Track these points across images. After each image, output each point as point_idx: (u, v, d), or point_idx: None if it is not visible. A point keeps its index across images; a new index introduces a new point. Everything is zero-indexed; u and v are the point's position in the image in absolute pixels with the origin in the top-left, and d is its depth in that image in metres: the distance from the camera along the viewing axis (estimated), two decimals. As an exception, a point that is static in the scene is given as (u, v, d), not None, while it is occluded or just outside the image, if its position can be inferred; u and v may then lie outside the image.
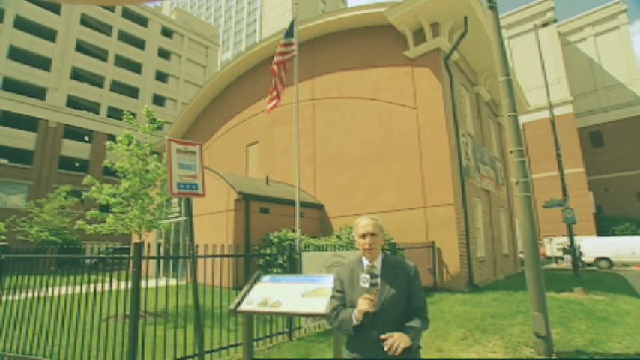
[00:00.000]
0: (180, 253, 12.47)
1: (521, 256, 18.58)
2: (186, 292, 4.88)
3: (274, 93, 8.84)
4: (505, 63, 5.99)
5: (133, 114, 9.16)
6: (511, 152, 5.70)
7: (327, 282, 2.96)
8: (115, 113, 36.69)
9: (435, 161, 11.98)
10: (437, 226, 11.65)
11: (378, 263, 2.23)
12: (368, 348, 2.11)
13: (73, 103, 35.38)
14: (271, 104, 8.92)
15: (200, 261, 4.91)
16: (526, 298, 8.40)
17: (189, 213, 4.42)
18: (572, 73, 33.81)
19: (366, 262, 2.25)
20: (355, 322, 2.09)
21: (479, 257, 12.76)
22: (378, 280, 2.12)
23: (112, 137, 34.58)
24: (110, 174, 29.67)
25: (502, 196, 17.32)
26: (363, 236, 2.23)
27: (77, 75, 36.01)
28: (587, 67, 34.24)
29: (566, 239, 23.00)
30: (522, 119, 30.14)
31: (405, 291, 2.16)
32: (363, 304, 2.05)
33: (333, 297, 2.32)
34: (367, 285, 2.09)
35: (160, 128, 9.42)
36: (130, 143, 8.31)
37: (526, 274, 5.41)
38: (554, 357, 4.90)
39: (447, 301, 9.48)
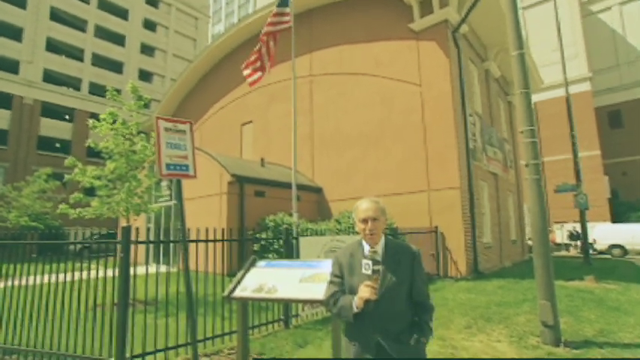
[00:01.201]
0: (171, 238, 12.54)
1: (530, 242, 18.76)
2: (177, 279, 4.91)
3: (258, 63, 8.45)
4: (519, 35, 5.89)
5: (118, 90, 9.02)
6: (521, 132, 5.66)
7: (326, 267, 2.98)
8: (97, 90, 35.84)
9: (440, 142, 11.95)
10: (441, 210, 11.72)
11: (379, 248, 2.23)
12: (368, 337, 2.14)
13: (51, 78, 34.43)
14: (254, 76, 8.47)
15: (192, 246, 4.92)
16: (533, 287, 8.51)
17: (179, 196, 4.41)
18: (592, 48, 32.57)
19: (367, 246, 2.24)
20: (355, 310, 2.10)
21: (484, 243, 12.88)
22: (381, 266, 2.13)
23: (94, 116, 33.97)
24: (94, 155, 29.43)
25: (510, 180, 17.37)
26: (364, 221, 2.22)
27: (53, 47, 34.84)
28: (609, 40, 33.16)
29: (577, 226, 23.12)
30: (535, 98, 29.64)
31: (408, 278, 2.17)
32: (365, 292, 2.05)
33: (331, 282, 2.32)
34: (369, 272, 2.09)
35: (146, 106, 9.32)
36: (114, 122, 8.21)
37: (534, 261, 5.45)
38: (561, 347, 4.98)
39: (450, 288, 9.60)
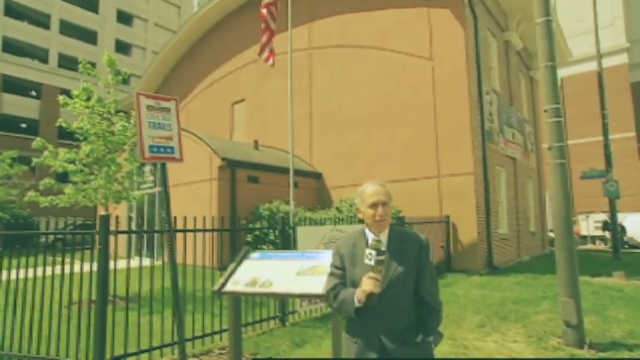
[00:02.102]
0: (156, 228, 12.57)
1: (551, 234, 18.82)
2: (162, 274, 4.91)
3: (264, 38, 8.59)
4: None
5: (92, 63, 8.91)
6: (545, 111, 5.60)
7: (325, 259, 2.98)
8: (67, 62, 34.76)
9: (452, 123, 11.91)
10: (452, 198, 11.74)
11: (384, 237, 2.21)
12: (370, 334, 2.14)
13: (12, 47, 33.24)
14: (265, 53, 8.69)
15: (179, 237, 4.93)
16: (554, 283, 8.56)
17: (164, 181, 4.39)
18: (632, 14, 31.40)
19: (370, 235, 2.23)
20: (357, 304, 2.09)
21: (500, 235, 12.94)
22: (385, 256, 2.11)
23: (66, 92, 33.41)
24: (67, 136, 29.07)
25: (531, 165, 17.36)
26: (374, 206, 2.19)
27: (13, 11, 33.45)
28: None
29: (605, 216, 23.00)
30: (561, 73, 28.61)
31: (414, 269, 2.16)
32: (367, 285, 2.03)
33: (331, 274, 2.31)
34: (372, 262, 2.07)
35: (125, 82, 9.24)
36: (89, 99, 8.10)
37: (556, 254, 5.44)
38: (585, 348, 5.00)
39: (461, 283, 9.67)
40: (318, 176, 14.97)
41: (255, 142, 14.91)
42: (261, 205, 11.88)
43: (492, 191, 12.47)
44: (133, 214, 15.45)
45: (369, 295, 2.05)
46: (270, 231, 10.21)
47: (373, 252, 2.08)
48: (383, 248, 2.12)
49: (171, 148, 4.26)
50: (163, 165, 4.37)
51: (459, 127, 11.78)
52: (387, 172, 12.88)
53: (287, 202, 11.42)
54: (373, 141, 13.63)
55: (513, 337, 5.48)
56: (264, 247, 9.90)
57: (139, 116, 4.05)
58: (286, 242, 6.41)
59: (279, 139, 15.71)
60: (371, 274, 2.06)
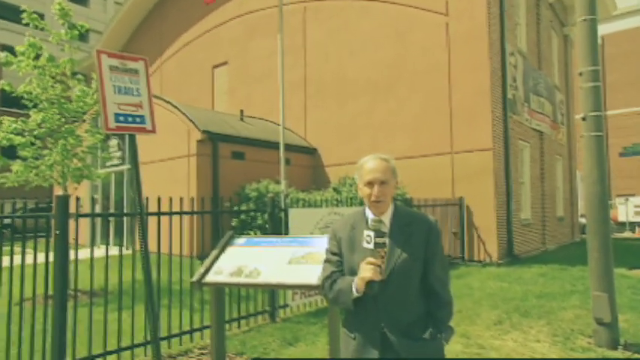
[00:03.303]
0: (125, 211, 12.55)
1: (583, 220, 18.91)
2: (133, 264, 4.91)
3: None
4: None
5: (40, 14, 8.68)
6: (580, 74, 5.51)
7: (321, 245, 2.97)
8: (7, 12, 33.45)
9: (469, 90, 11.84)
10: (467, 177, 11.77)
11: (387, 217, 2.22)
12: (371, 328, 2.14)
13: None
14: None
15: (152, 222, 4.90)
16: (585, 275, 8.62)
17: (133, 157, 4.34)
18: None
19: (371, 215, 2.23)
20: (356, 294, 2.09)
21: (522, 220, 13.02)
22: (386, 239, 2.11)
23: (8, 48, 32.77)
24: (11, 102, 28.54)
25: (560, 140, 17.37)
26: (370, 184, 2.19)
27: None
28: None
29: None
30: (602, 29, 27.73)
31: (421, 256, 2.15)
32: (367, 271, 2.03)
33: (327, 261, 2.33)
34: (371, 245, 2.07)
35: (83, 38, 9.06)
36: (37, 57, 7.90)
37: (588, 243, 5.46)
38: (620, 350, 5.04)
39: (477, 275, 9.77)
40: (312, 152, 14.90)
41: (241, 112, 14.80)
42: (247, 185, 11.86)
43: (514, 170, 12.48)
44: (98, 196, 15.39)
45: (369, 284, 2.05)
46: (258, 214, 10.22)
47: (372, 233, 2.08)
48: (384, 230, 2.12)
49: (141, 117, 4.20)
50: (132, 137, 4.31)
51: (477, 95, 11.71)
52: (393, 147, 12.84)
53: (277, 182, 11.40)
54: (377, 111, 13.55)
55: (536, 336, 5.55)
56: (251, 232, 9.91)
57: (100, 79, 3.96)
58: (276, 227, 6.41)
59: (268, 108, 15.59)
60: (370, 258, 2.06)
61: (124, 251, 6.17)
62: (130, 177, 13.77)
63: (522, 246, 12.75)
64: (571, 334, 5.60)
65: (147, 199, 4.80)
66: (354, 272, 2.15)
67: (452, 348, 5.11)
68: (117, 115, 4.04)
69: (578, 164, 19.44)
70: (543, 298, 7.48)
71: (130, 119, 4.12)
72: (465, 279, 9.29)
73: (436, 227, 2.24)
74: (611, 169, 27.00)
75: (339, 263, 2.26)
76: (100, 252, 6.23)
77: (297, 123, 15.22)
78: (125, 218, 11.80)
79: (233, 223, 10.59)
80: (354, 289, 2.10)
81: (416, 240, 2.17)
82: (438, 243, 2.23)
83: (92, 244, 4.60)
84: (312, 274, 2.90)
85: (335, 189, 11.96)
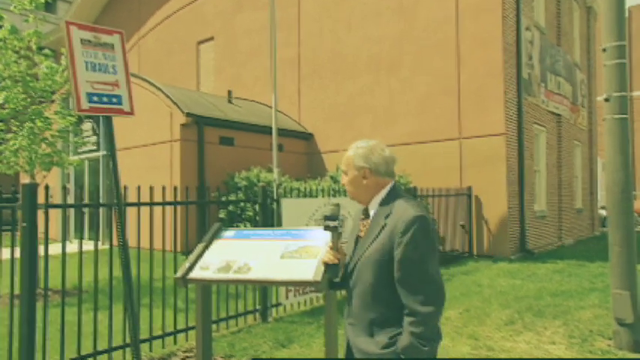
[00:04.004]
0: (100, 202, 12.52)
1: (603, 212, 19.02)
2: (110, 259, 4.86)
3: None
4: None
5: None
6: (604, 50, 5.47)
7: (316, 238, 2.97)
8: None
9: (480, 69, 11.82)
10: (476, 165, 11.79)
11: (373, 207, 2.33)
12: (346, 321, 2.32)
13: None
14: None
15: (131, 213, 4.88)
16: (605, 272, 8.71)
17: (110, 142, 4.30)
18: None
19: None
20: (326, 277, 2.37)
21: (537, 212, 13.09)
22: (338, 222, 2.31)
23: None
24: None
25: (580, 124, 17.40)
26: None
27: None
28: None
29: None
30: (629, 0, 27.79)
31: (386, 252, 2.12)
32: (325, 254, 2.38)
33: None
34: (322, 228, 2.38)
35: (50, 7, 8.93)
36: None
37: (609, 237, 5.46)
38: None
39: (486, 271, 9.83)
40: (308, 137, 14.88)
41: (229, 93, 14.73)
42: (236, 173, 11.83)
43: (528, 157, 12.51)
44: (70, 185, 15.35)
45: (328, 267, 2.36)
46: (248, 205, 10.22)
47: (324, 217, 2.35)
48: (339, 215, 2.33)
49: (118, 97, 4.15)
50: (108, 120, 4.26)
51: (488, 74, 11.70)
52: (395, 132, 12.84)
53: (269, 170, 11.38)
54: (379, 93, 13.53)
55: (551, 338, 5.59)
56: (241, 225, 9.91)
57: (70, 54, 3.89)
58: (268, 219, 6.41)
59: (259, 89, 15.54)
60: (330, 242, 2.35)
61: (100, 246, 6.16)
62: (106, 164, 13.72)
63: (536, 240, 12.82)
64: (589, 336, 5.64)
65: (125, 188, 4.77)
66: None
67: (459, 350, 5.16)
68: (90, 94, 3.99)
69: (600, 151, 19.49)
70: (559, 297, 7.53)
71: (105, 99, 4.06)
72: (473, 275, 9.34)
73: (414, 223, 2.08)
74: (636, 156, 27.00)
75: None
76: (73, 247, 6.21)
77: (291, 105, 15.18)
78: (101, 209, 11.76)
79: (221, 215, 10.57)
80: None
81: (387, 234, 2.14)
82: (410, 242, 2.07)
83: (64, 238, 4.58)
84: (307, 269, 2.89)
85: (332, 178, 11.95)
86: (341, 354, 2.42)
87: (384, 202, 2.27)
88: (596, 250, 12.92)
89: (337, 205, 2.36)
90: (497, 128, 11.58)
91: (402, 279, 2.07)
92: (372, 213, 2.30)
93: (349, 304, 2.30)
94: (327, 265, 2.35)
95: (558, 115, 14.90)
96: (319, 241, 2.88)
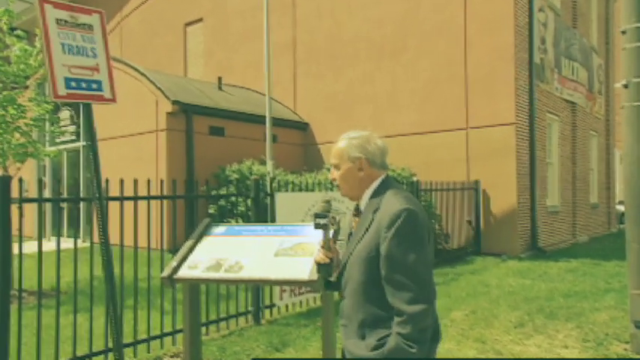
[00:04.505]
0: (80, 196, 12.50)
1: (621, 208, 19.05)
2: (91, 258, 4.85)
3: None
4: None
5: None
6: (623, 32, 5.46)
7: (312, 234, 2.97)
8: None
9: (489, 54, 11.79)
10: (484, 157, 11.79)
11: (363, 203, 2.34)
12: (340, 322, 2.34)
13: None
14: None
15: (113, 208, 4.86)
16: (622, 271, 8.73)
17: (90, 131, 4.29)
18: None
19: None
20: (313, 277, 2.49)
21: (549, 207, 13.12)
22: (327, 220, 2.34)
23: None
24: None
25: (597, 113, 17.40)
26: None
27: None
28: None
29: None
30: None
31: (373, 248, 2.13)
32: (317, 253, 2.40)
33: None
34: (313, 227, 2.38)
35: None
36: None
37: (627, 234, 5.45)
38: None
39: (494, 270, 9.86)
40: (304, 127, 14.86)
41: (219, 79, 14.69)
42: (227, 165, 11.82)
43: (540, 148, 12.52)
44: (47, 178, 15.29)
45: (320, 267, 2.39)
46: (240, 200, 10.21)
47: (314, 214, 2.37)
48: (329, 211, 2.36)
49: (98, 82, 4.14)
50: (87, 107, 4.24)
51: (498, 59, 11.68)
52: (398, 121, 12.83)
53: (262, 162, 11.38)
54: (381, 80, 13.51)
55: (563, 341, 5.61)
56: (232, 221, 9.90)
57: (45, 35, 3.87)
58: (261, 214, 6.40)
59: (252, 75, 15.49)
60: (320, 241, 2.37)
61: (80, 244, 6.14)
62: (86, 155, 13.67)
63: (548, 237, 12.86)
64: (604, 339, 5.66)
65: (107, 181, 4.76)
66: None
67: (465, 353, 5.17)
68: (68, 79, 3.96)
69: (617, 141, 19.53)
70: (572, 298, 7.55)
71: (83, 85, 4.04)
72: (480, 275, 9.37)
73: (393, 217, 2.08)
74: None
75: None
76: (50, 245, 6.20)
77: (286, 93, 15.15)
78: (81, 204, 11.74)
79: (210, 210, 10.56)
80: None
81: (374, 230, 2.15)
82: (394, 237, 2.06)
83: (40, 235, 4.56)
84: (302, 268, 2.90)
85: (330, 170, 11.96)
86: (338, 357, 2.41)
87: (374, 196, 2.27)
88: (613, 248, 12.96)
89: (328, 202, 2.37)
90: (506, 117, 11.58)
91: (387, 276, 2.06)
92: (362, 208, 2.31)
93: (343, 303, 2.31)
94: (319, 264, 2.37)
95: (573, 103, 14.90)
96: (316, 237, 2.88)
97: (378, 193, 2.27)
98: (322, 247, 2.35)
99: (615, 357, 5.16)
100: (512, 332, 5.91)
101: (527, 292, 7.93)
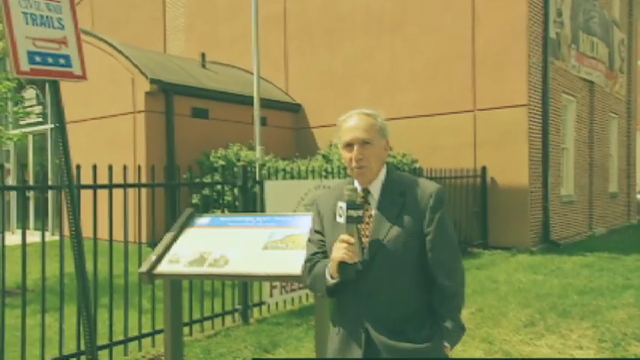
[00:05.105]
0: (49, 184, 12.47)
1: (643, 197, 19.15)
2: (61, 253, 4.82)
3: None
4: None
5: None
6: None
7: (305, 225, 2.97)
8: None
9: (499, 28, 11.76)
10: (493, 142, 11.80)
11: (376, 187, 2.29)
12: (353, 323, 2.21)
13: None
14: None
15: (86, 198, 4.83)
16: (643, 266, 8.82)
17: (58, 112, 4.26)
18: None
19: (358, 185, 2.30)
20: (331, 280, 2.17)
21: (563, 197, 13.16)
22: (362, 211, 2.16)
23: None
24: None
25: (617, 93, 17.40)
26: (349, 146, 2.26)
27: None
28: None
29: None
30: None
31: (418, 232, 2.19)
32: (338, 251, 2.10)
33: (309, 241, 2.47)
34: (342, 220, 2.13)
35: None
36: None
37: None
38: None
39: (503, 265, 9.92)
40: (296, 109, 14.83)
41: (202, 56, 14.62)
42: (212, 151, 11.79)
43: (554, 132, 12.54)
44: (10, 164, 15.22)
45: (343, 267, 2.11)
46: (227, 188, 10.18)
47: (344, 205, 2.14)
48: (359, 200, 2.20)
49: (66, 57, 4.10)
50: (55, 85, 4.20)
51: (509, 34, 11.64)
52: (398, 102, 12.81)
53: (251, 148, 11.35)
54: (380, 56, 13.47)
55: (578, 341, 5.65)
56: (218, 211, 9.88)
57: (4, 2, 3.82)
58: (249, 204, 6.41)
59: (238, 52, 15.42)
60: (343, 235, 2.12)
61: (49, 237, 6.13)
62: (54, 139, 13.62)
63: (562, 229, 12.92)
64: (622, 340, 5.69)
65: (78, 167, 4.73)
66: None
67: (471, 354, 5.20)
68: (31, 54, 3.92)
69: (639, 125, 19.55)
70: (588, 295, 7.59)
71: (49, 60, 4.00)
72: (488, 270, 9.41)
73: (441, 195, 2.24)
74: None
75: (322, 243, 2.36)
76: (14, 238, 6.18)
77: (276, 72, 15.11)
78: (50, 193, 11.70)
79: (194, 200, 10.54)
80: (327, 274, 2.19)
81: (411, 212, 2.20)
82: (444, 216, 2.22)
83: (3, 227, 4.54)
84: (294, 261, 2.91)
85: (325, 156, 11.93)
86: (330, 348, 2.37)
87: (389, 179, 2.30)
88: (633, 241, 13.04)
89: (355, 190, 2.21)
90: (518, 98, 11.57)
91: (438, 258, 2.18)
92: (375, 192, 2.27)
93: (368, 300, 2.19)
94: (344, 264, 2.10)
95: (591, 82, 14.89)
96: (308, 229, 2.87)
97: (391, 175, 2.31)
98: (348, 242, 2.09)
99: (634, 358, 5.20)
100: (522, 332, 5.95)
101: (538, 289, 7.97)
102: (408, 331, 2.16)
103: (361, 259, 2.14)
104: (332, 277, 2.16)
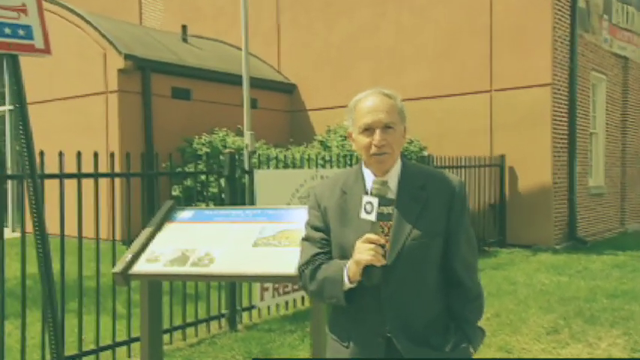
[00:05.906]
0: (8, 173, 12.49)
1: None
2: (22, 252, 4.82)
3: None
4: None
5: None
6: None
7: (300, 219, 2.96)
8: None
9: (521, -2, 11.76)
10: (513, 127, 11.81)
11: (393, 178, 2.24)
12: (372, 333, 2.17)
13: None
14: None
15: (52, 189, 4.82)
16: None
17: (18, 92, 4.23)
18: None
19: (370, 176, 2.25)
20: (349, 285, 2.10)
21: (591, 189, 13.19)
22: (392, 208, 2.11)
23: None
24: None
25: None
26: (368, 130, 2.19)
27: None
28: None
29: None
30: None
31: (441, 231, 2.18)
32: (365, 252, 2.00)
33: (307, 240, 2.37)
34: (373, 217, 2.05)
35: None
36: None
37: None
38: None
39: (522, 264, 9.95)
40: (290, 90, 14.85)
41: (183, 29, 14.61)
42: (195, 136, 11.79)
43: (582, 115, 12.55)
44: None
45: (368, 270, 2.04)
46: (212, 178, 10.18)
47: (374, 200, 2.06)
48: (391, 195, 2.14)
49: (26, 28, 4.08)
50: (14, 60, 4.18)
51: (532, 3, 11.63)
52: (405, 83, 12.80)
53: (239, 133, 11.35)
54: (383, 31, 13.49)
55: (607, 350, 5.67)
56: (202, 204, 9.89)
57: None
58: (237, 196, 6.42)
59: (224, 25, 15.45)
60: (370, 235, 2.04)
61: (9, 234, 6.13)
62: (14, 122, 13.61)
63: (590, 225, 12.96)
64: (658, 348, 5.73)
65: (42, 154, 4.72)
66: (345, 253, 2.16)
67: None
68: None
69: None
70: (619, 299, 7.60)
71: (6, 31, 3.98)
72: (505, 270, 9.44)
73: (462, 190, 2.26)
74: None
75: (325, 242, 2.28)
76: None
77: (268, 47, 15.11)
78: (10, 183, 11.68)
79: (175, 192, 10.55)
80: (345, 278, 2.10)
81: (434, 209, 2.18)
82: (465, 212, 2.25)
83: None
84: (287, 260, 2.91)
85: (322, 142, 11.95)
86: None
87: (405, 170, 2.28)
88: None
89: (385, 183, 2.12)
90: (541, 77, 11.57)
91: (464, 257, 2.23)
92: (393, 181, 2.22)
93: (390, 306, 2.15)
94: (368, 267, 2.02)
95: (625, 58, 14.88)
96: (303, 223, 2.85)
97: (408, 166, 2.31)
98: (377, 243, 2.01)
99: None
100: (544, 340, 5.96)
101: (562, 292, 7.98)
102: (432, 337, 2.17)
103: (388, 261, 2.08)
104: (350, 281, 2.09)
